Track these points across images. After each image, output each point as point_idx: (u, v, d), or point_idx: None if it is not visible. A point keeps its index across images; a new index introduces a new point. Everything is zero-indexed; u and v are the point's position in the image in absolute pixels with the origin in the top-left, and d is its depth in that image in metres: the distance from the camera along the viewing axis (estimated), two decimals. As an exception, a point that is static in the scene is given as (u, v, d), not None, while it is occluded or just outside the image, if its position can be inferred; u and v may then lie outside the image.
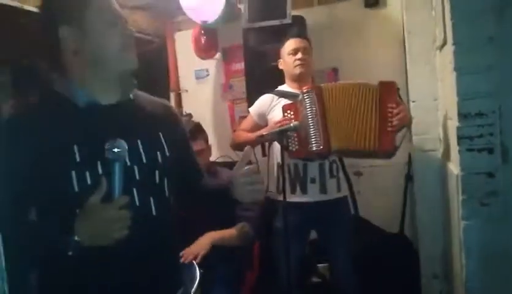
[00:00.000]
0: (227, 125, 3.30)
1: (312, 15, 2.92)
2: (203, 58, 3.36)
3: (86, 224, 0.94)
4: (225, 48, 3.33)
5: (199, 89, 3.43)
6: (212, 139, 2.30)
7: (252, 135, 2.16)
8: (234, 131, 2.42)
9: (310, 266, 2.77)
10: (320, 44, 2.81)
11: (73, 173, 0.97)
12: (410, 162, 2.70)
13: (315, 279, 2.80)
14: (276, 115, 2.09)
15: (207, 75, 3.41)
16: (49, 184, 0.98)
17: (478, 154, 1.52)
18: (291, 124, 1.91)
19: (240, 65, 3.20)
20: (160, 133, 1.14)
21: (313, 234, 2.36)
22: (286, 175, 2.06)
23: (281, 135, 1.93)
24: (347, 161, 2.28)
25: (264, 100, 2.22)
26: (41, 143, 0.97)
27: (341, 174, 2.18)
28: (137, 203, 1.03)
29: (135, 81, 1.14)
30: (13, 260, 0.79)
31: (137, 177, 1.05)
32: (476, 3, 1.50)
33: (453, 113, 1.62)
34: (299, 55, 2.15)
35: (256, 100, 2.29)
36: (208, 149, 2.24)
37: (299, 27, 2.70)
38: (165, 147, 1.13)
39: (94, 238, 0.94)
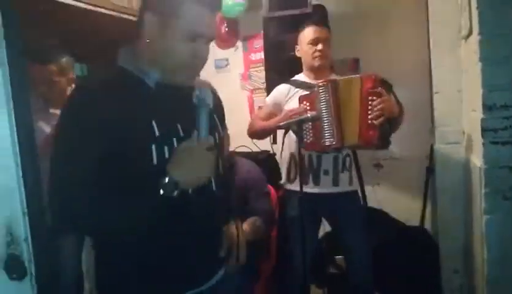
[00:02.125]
0: (246, 115, 3.30)
1: (333, 4, 2.88)
2: (223, 48, 3.37)
3: (178, 166, 0.98)
4: (245, 38, 3.32)
5: (218, 78, 3.42)
6: (231, 129, 2.31)
7: (268, 123, 2.15)
8: (252, 120, 2.42)
9: (327, 257, 2.77)
10: (341, 33, 2.76)
11: (153, 146, 1.01)
12: (431, 155, 2.66)
13: (332, 270, 2.80)
14: (293, 105, 2.08)
15: (227, 65, 3.42)
16: (129, 155, 1.00)
17: (502, 147, 1.48)
18: (309, 115, 1.90)
19: (260, 55, 3.20)
20: (214, 114, 1.19)
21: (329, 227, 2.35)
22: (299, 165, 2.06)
23: (298, 125, 1.92)
24: (367, 153, 2.26)
25: (281, 90, 2.20)
26: (118, 113, 0.99)
27: (353, 168, 2.15)
28: None
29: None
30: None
31: None
32: (503, -9, 1.45)
33: (477, 104, 1.58)
34: (320, 46, 2.09)
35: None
36: (227, 137, 2.24)
37: (320, 17, 2.67)
38: (220, 127, 1.21)
39: (187, 179, 0.98)
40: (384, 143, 1.91)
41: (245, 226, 2.07)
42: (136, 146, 1.00)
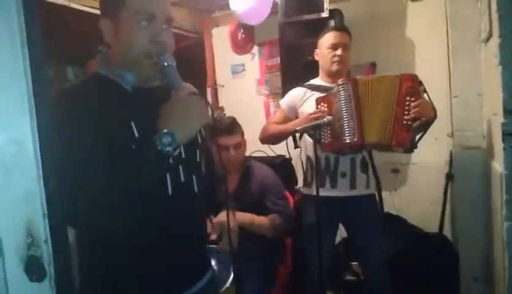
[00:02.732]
0: (262, 120, 3.30)
1: (350, 8, 2.87)
2: (239, 53, 3.39)
3: (168, 119, 0.98)
4: (261, 43, 3.33)
5: (235, 83, 3.46)
6: (247, 134, 2.32)
7: (284, 128, 2.13)
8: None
9: (343, 263, 2.74)
10: (358, 38, 2.75)
11: (134, 147, 1.01)
12: (451, 160, 2.61)
13: (348, 277, 2.77)
14: (308, 108, 2.07)
15: (243, 70, 3.44)
16: (111, 155, 0.99)
17: (524, 152, 1.44)
18: (325, 119, 1.89)
19: (276, 60, 3.21)
20: None
21: (346, 232, 2.33)
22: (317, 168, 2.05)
23: (314, 129, 1.91)
24: (384, 158, 2.23)
25: (296, 94, 2.20)
26: (98, 115, 0.99)
27: (370, 171, 2.13)
28: (182, 179, 1.08)
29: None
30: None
31: (183, 155, 1.09)
32: (525, -7, 1.42)
33: (498, 108, 1.55)
34: (339, 52, 2.09)
35: (289, 93, 2.28)
36: (244, 143, 2.25)
37: (336, 21, 2.66)
38: (201, 130, 1.19)
39: (181, 128, 0.97)
40: (413, 146, 1.88)
41: (265, 219, 2.08)
42: (116, 147, 0.99)
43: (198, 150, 1.15)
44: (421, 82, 1.89)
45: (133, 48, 1.04)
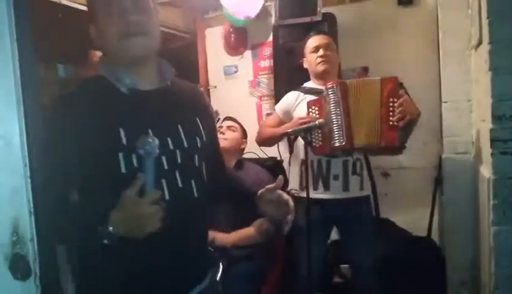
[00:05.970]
0: (254, 122, 3.30)
1: (344, 13, 2.88)
2: (232, 55, 3.38)
3: (120, 217, 0.95)
4: (254, 45, 3.33)
5: (227, 85, 3.45)
6: (238, 136, 2.33)
7: (277, 130, 2.16)
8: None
9: (332, 266, 2.75)
10: (351, 42, 2.77)
11: (121, 154, 1.00)
12: (440, 165, 2.64)
13: (337, 279, 2.78)
14: (301, 112, 2.09)
15: (236, 72, 3.43)
16: (97, 164, 1.00)
17: (512, 158, 1.47)
18: (317, 122, 1.91)
19: (269, 62, 3.21)
20: (197, 118, 1.17)
21: (336, 235, 2.33)
22: (310, 171, 2.05)
23: (306, 132, 1.93)
24: (375, 162, 2.24)
25: (290, 98, 2.22)
26: (87, 123, 1.00)
27: (365, 173, 2.14)
28: (180, 185, 1.07)
29: (172, 67, 1.17)
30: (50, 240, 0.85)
31: (179, 160, 1.08)
32: (514, 1, 1.44)
33: (487, 114, 1.57)
34: (321, 52, 2.13)
35: (283, 97, 2.29)
36: (238, 130, 2.31)
37: (329, 25, 2.68)
38: (202, 132, 1.17)
39: (127, 231, 0.96)
40: (402, 145, 1.92)
41: (252, 229, 2.08)
42: (103, 154, 0.99)
43: (196, 156, 1.12)
44: (401, 84, 1.93)
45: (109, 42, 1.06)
